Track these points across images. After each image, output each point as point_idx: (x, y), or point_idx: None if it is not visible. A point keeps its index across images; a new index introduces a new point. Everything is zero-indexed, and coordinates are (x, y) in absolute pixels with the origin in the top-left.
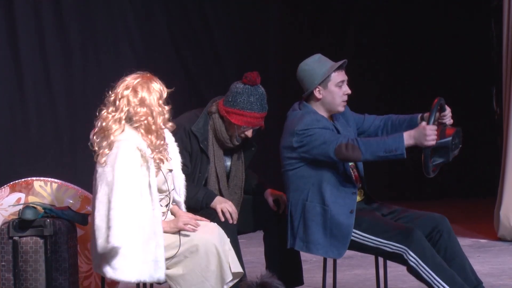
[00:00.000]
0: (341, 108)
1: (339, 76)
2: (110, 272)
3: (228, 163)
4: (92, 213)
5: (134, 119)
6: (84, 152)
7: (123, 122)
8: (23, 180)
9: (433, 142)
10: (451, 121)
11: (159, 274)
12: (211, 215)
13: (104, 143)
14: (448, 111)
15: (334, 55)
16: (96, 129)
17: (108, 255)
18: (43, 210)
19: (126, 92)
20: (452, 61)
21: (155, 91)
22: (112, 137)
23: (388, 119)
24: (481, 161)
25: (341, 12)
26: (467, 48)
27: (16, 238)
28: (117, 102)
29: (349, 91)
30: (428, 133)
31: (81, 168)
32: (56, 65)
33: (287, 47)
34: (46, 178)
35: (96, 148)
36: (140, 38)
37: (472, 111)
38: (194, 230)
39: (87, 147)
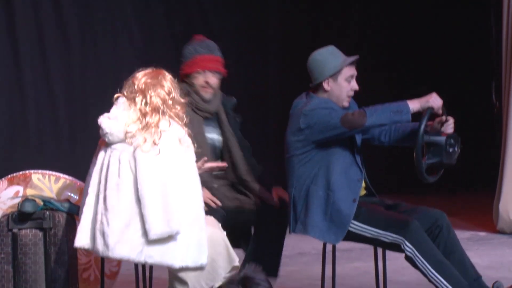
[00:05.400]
0: (345, 103)
1: (349, 71)
2: (158, 257)
3: (213, 135)
4: (133, 201)
5: (166, 112)
6: (82, 145)
7: (161, 114)
8: (21, 173)
9: (437, 103)
10: (452, 130)
11: (203, 259)
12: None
13: (148, 133)
14: (451, 121)
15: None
16: (131, 124)
17: (159, 241)
18: (42, 203)
19: (154, 88)
20: (451, 55)
21: (175, 84)
22: (159, 128)
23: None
24: (480, 154)
25: (343, 5)
26: (466, 41)
27: (15, 230)
28: (148, 98)
29: (356, 87)
30: (433, 95)
31: (80, 161)
32: (55, 57)
33: (287, 41)
34: (44, 171)
35: (131, 140)
36: (139, 31)
37: (471, 104)
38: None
39: (86, 139)
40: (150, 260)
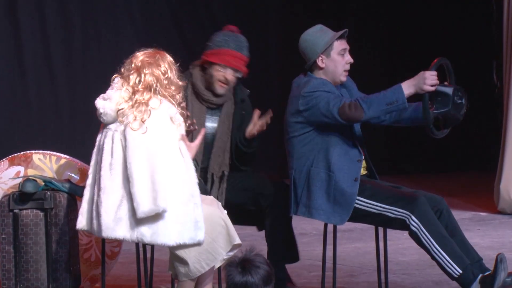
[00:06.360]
0: (343, 78)
1: (341, 45)
2: (148, 236)
3: (214, 124)
4: (124, 179)
5: (160, 91)
6: (83, 125)
7: (153, 92)
8: (22, 153)
9: (433, 88)
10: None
11: (200, 235)
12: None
13: (138, 112)
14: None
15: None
16: (122, 102)
17: (149, 220)
18: (43, 183)
19: (149, 66)
20: (452, 35)
21: (173, 66)
22: (149, 106)
23: None
24: (481, 134)
25: None
26: (467, 21)
27: (16, 211)
28: (142, 76)
29: (351, 60)
30: (427, 77)
31: (80, 141)
32: (56, 39)
33: (287, 25)
34: (45, 151)
35: (123, 118)
36: (140, 13)
37: (472, 84)
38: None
39: (86, 120)
40: (144, 239)
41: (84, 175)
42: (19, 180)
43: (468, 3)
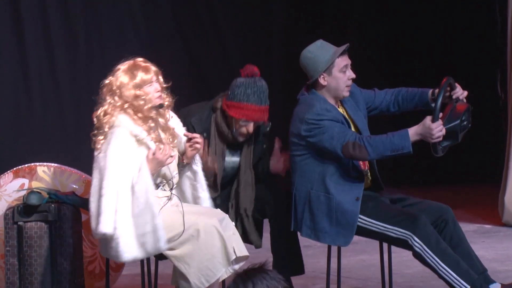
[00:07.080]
0: (345, 93)
1: (342, 61)
2: (115, 257)
3: (237, 158)
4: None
5: (123, 109)
6: (87, 137)
7: (113, 110)
8: (26, 165)
9: (440, 139)
10: (465, 93)
11: (161, 245)
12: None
13: (100, 132)
14: (458, 88)
15: (337, 42)
16: (97, 121)
17: (107, 241)
18: (47, 195)
19: (106, 83)
20: (456, 46)
21: (132, 79)
22: (106, 127)
23: (398, 93)
24: (486, 146)
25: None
26: (471, 32)
27: (20, 223)
28: (106, 94)
29: (353, 76)
30: (434, 132)
31: (84, 153)
32: (61, 50)
33: (290, 34)
34: (50, 163)
35: (93, 138)
36: (145, 24)
37: (476, 96)
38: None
39: (91, 131)
40: (115, 259)
41: (88, 187)
42: (23, 193)
43: (472, 14)
